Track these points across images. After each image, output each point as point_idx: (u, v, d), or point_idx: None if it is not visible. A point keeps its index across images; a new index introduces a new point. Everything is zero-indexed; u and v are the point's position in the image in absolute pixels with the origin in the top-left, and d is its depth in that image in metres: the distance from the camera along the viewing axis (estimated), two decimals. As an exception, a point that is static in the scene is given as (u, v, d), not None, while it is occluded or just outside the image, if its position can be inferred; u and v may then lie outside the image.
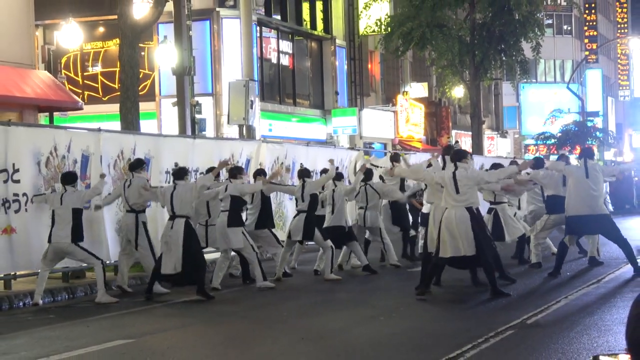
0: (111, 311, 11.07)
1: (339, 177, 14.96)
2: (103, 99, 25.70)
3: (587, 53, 57.01)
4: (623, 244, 13.36)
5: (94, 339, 9.05)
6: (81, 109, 21.28)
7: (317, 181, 14.82)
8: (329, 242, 14.02)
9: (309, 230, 13.90)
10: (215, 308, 11.23)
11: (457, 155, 11.64)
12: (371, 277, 14.24)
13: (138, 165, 12.84)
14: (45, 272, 11.79)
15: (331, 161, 15.07)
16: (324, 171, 15.60)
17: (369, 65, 35.49)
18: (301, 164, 17.13)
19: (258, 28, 26.93)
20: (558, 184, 14.15)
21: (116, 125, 16.84)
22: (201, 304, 11.51)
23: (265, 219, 14.10)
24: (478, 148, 34.07)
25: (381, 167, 17.08)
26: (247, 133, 23.50)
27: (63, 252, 11.76)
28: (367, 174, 15.45)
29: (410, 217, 16.65)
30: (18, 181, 11.84)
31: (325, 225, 14.49)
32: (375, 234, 15.45)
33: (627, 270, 13.91)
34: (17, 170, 11.84)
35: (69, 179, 11.87)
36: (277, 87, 29.13)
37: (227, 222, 12.77)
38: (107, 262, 13.32)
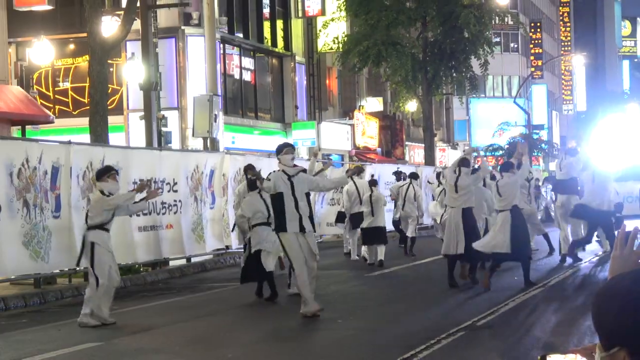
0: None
1: (374, 183, 17.41)
2: (73, 112, 25.67)
3: (532, 69, 57.99)
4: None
5: (65, 342, 9.25)
6: (52, 122, 21.48)
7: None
8: None
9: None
10: (182, 311, 11.52)
11: (462, 162, 13.22)
12: (330, 282, 14.61)
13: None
14: None
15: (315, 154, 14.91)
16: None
17: (327, 81, 36.09)
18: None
19: (221, 45, 27.27)
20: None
21: (86, 137, 17.08)
22: (170, 307, 11.67)
23: None
24: (430, 159, 35.13)
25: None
26: (212, 145, 23.69)
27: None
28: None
29: None
30: (-10, 192, 11.95)
31: (364, 226, 16.76)
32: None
33: (571, 275, 14.53)
34: (-10, 182, 11.95)
35: None
36: (240, 101, 29.45)
37: None
38: (77, 268, 13.56)
